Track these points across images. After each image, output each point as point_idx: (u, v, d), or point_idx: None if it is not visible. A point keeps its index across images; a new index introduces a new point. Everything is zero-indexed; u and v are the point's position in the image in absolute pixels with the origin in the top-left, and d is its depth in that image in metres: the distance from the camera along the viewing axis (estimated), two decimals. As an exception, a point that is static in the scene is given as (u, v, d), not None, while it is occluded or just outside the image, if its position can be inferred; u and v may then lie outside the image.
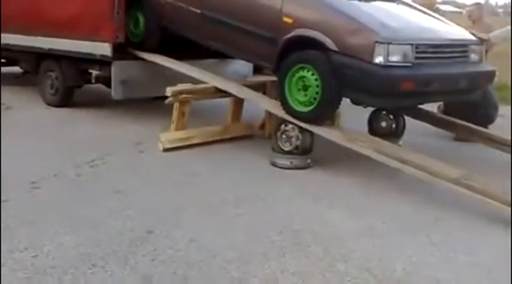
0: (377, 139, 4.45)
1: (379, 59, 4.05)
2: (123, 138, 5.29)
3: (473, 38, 4.79)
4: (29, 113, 6.26)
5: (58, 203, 3.63)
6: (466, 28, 5.51)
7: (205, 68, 5.67)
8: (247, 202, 3.76)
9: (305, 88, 4.49)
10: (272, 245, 3.13)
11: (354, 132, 4.51)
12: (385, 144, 4.32)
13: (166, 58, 5.74)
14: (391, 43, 4.06)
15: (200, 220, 3.45)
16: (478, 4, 7.17)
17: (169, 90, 4.90)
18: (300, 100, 4.54)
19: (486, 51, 6.22)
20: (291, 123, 4.55)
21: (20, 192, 3.77)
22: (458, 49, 4.59)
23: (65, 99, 6.59)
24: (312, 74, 4.42)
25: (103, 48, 5.81)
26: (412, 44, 4.14)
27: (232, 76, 6.15)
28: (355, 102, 4.95)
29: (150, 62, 5.85)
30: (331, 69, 4.28)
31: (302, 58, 4.47)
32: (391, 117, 5.44)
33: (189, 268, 2.82)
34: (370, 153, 4.17)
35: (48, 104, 6.64)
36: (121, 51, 5.87)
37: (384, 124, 5.44)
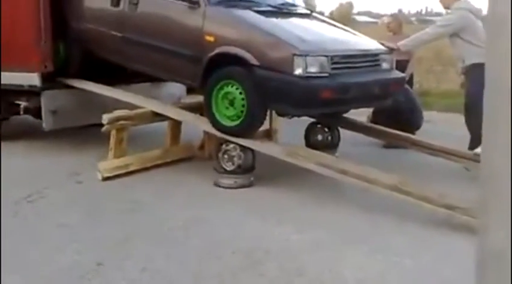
0: (316, 152, 4.59)
1: (298, 71, 4.27)
2: (58, 169, 5.14)
3: (383, 47, 5.09)
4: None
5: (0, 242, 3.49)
6: (386, 39, 5.84)
7: (138, 92, 5.64)
8: (195, 226, 3.77)
9: (231, 103, 4.63)
10: (226, 266, 3.16)
11: (294, 147, 4.63)
12: (325, 156, 4.47)
13: (98, 85, 5.65)
14: (308, 55, 4.30)
15: (150, 248, 3.42)
16: (395, 15, 7.57)
17: (105, 118, 4.83)
18: (227, 115, 4.67)
19: (408, 60, 6.61)
20: (232, 142, 4.61)
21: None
22: (370, 58, 4.90)
23: (-8, 133, 6.32)
24: (237, 89, 4.57)
25: (31, 79, 5.64)
26: (327, 56, 4.40)
27: (167, 99, 6.14)
28: (280, 113, 5.16)
29: (80, 90, 5.74)
30: (254, 83, 4.46)
31: (226, 74, 4.63)
32: (326, 129, 5.62)
33: (145, 298, 2.80)
34: (311, 166, 4.30)
35: (-27, 139, 6.34)
36: (50, 80, 5.73)
37: (320, 137, 5.62)
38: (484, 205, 1.29)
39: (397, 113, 5.81)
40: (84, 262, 3.20)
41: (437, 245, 3.44)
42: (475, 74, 5.09)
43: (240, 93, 4.55)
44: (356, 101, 4.77)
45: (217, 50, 4.63)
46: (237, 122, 4.61)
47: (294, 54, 4.28)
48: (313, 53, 4.35)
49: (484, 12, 6.65)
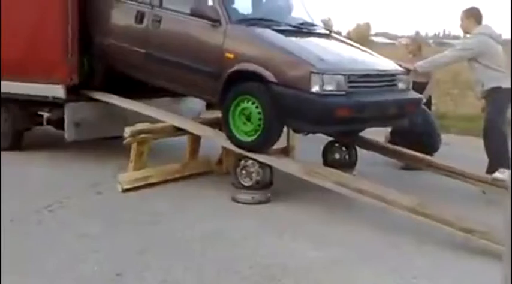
0: (334, 170, 4.62)
1: (315, 88, 4.35)
2: (79, 180, 5.23)
3: (400, 68, 5.15)
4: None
5: (22, 249, 3.56)
6: (405, 61, 5.89)
7: (158, 107, 5.72)
8: (213, 239, 3.81)
9: (248, 118, 4.70)
10: (243, 280, 3.19)
11: (312, 165, 4.67)
12: (342, 175, 4.50)
13: (120, 98, 5.75)
14: (325, 73, 4.38)
15: (168, 260, 3.46)
16: (414, 38, 7.62)
17: (127, 130, 4.91)
18: (244, 130, 4.74)
19: (427, 82, 6.64)
20: (251, 158, 4.67)
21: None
22: (387, 78, 4.95)
23: (14, 143, 6.45)
24: (254, 105, 4.64)
25: (56, 91, 5.77)
26: (344, 74, 4.48)
27: (186, 114, 6.22)
28: (296, 130, 5.23)
29: (103, 103, 5.84)
30: (271, 99, 4.54)
31: (244, 90, 4.72)
32: (344, 148, 5.66)
33: (164, 309, 2.84)
34: (328, 184, 4.33)
35: (-3, 148, 6.47)
36: (73, 92, 5.84)
37: (337, 156, 5.66)
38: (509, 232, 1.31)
39: (415, 135, 5.84)
40: (104, 272, 3.25)
41: (454, 268, 3.44)
42: (493, 98, 5.13)
43: (257, 108, 4.63)
44: (372, 120, 4.82)
45: (236, 67, 4.74)
46: (254, 137, 4.68)
47: (312, 72, 4.36)
48: (330, 72, 4.42)
49: (504, 36, 6.71)
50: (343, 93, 4.44)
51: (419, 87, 6.54)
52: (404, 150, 5.58)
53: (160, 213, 4.36)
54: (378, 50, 7.11)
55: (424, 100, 6.59)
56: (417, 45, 6.91)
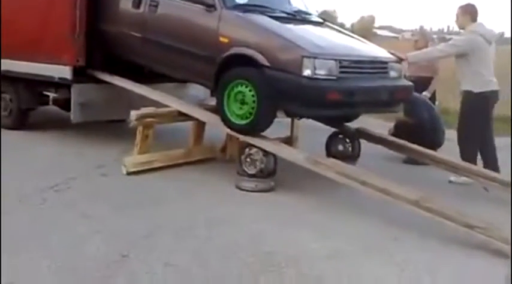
0: (338, 162, 4.63)
1: (307, 72, 4.43)
2: (84, 161, 5.27)
3: (392, 56, 5.23)
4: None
5: (28, 228, 3.60)
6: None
7: (164, 92, 5.73)
8: (217, 225, 3.84)
9: (242, 102, 4.76)
10: (246, 267, 3.22)
11: (317, 156, 4.69)
12: (347, 167, 4.52)
13: (127, 80, 5.76)
14: (317, 57, 4.46)
15: (173, 243, 3.50)
16: (423, 32, 7.63)
17: (133, 114, 4.94)
18: (237, 113, 4.80)
19: (431, 78, 6.66)
20: (256, 146, 4.69)
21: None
22: (379, 65, 5.05)
23: (19, 122, 6.48)
24: (248, 89, 4.70)
25: (63, 71, 5.78)
26: (336, 59, 4.56)
27: (190, 100, 6.23)
28: (288, 113, 5.28)
29: (109, 85, 5.85)
30: (265, 83, 4.61)
31: (238, 74, 4.79)
32: (348, 140, 5.69)
33: (168, 292, 2.87)
34: (332, 175, 4.36)
35: (1, 127, 6.48)
36: (80, 74, 5.84)
37: (340, 147, 5.68)
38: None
39: (420, 129, 5.87)
40: (109, 252, 3.29)
41: (456, 263, 3.47)
42: (462, 102, 5.32)
43: (251, 92, 4.69)
44: (363, 105, 4.91)
45: (230, 51, 4.81)
46: (247, 120, 4.76)
47: (303, 56, 4.44)
48: (322, 56, 4.51)
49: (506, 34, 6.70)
50: (334, 77, 4.52)
51: (424, 82, 6.59)
52: (408, 143, 5.60)
53: (164, 197, 4.39)
54: (381, 43, 7.12)
55: (429, 95, 6.63)
56: (425, 41, 6.92)
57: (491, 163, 5.21)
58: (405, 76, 5.53)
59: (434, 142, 6.01)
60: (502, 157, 5.47)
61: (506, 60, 8.12)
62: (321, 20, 5.82)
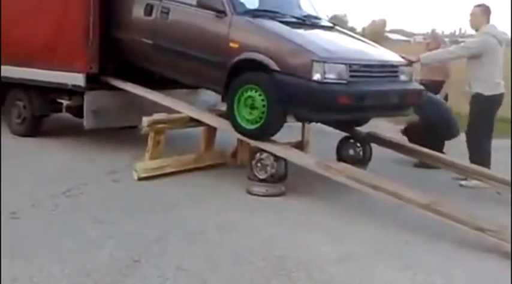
0: (349, 166, 4.63)
1: (316, 76, 4.44)
2: (95, 167, 5.31)
3: (402, 60, 5.23)
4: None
5: (40, 233, 3.64)
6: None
7: (175, 98, 5.77)
8: (228, 230, 3.86)
9: (252, 107, 4.79)
10: (257, 271, 3.23)
11: (327, 160, 4.69)
12: (358, 171, 4.52)
13: (140, 87, 5.81)
14: (326, 62, 4.47)
15: (184, 248, 3.52)
16: (435, 36, 7.61)
17: (145, 120, 4.99)
18: (248, 118, 4.83)
19: (443, 81, 6.64)
20: (266, 151, 4.71)
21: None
22: (389, 69, 5.05)
23: (33, 129, 6.55)
24: (258, 93, 4.73)
25: (76, 79, 5.84)
26: (346, 64, 4.57)
27: (201, 106, 6.26)
28: (298, 118, 5.30)
29: (121, 92, 5.90)
30: (274, 88, 4.63)
31: (248, 79, 4.82)
32: (358, 145, 5.69)
33: (180, 296, 2.89)
34: (344, 180, 4.36)
35: (15, 134, 6.57)
36: (93, 81, 5.90)
37: (351, 152, 5.68)
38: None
39: (430, 127, 5.88)
40: (121, 257, 3.31)
41: (468, 267, 3.45)
42: (473, 103, 5.31)
43: (261, 96, 4.71)
44: (373, 109, 4.93)
45: (240, 56, 4.84)
46: (257, 125, 4.78)
47: (313, 60, 4.46)
48: (331, 60, 4.52)
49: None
50: (345, 82, 4.52)
51: (436, 85, 6.57)
52: (419, 147, 5.60)
53: (175, 202, 4.41)
54: (392, 47, 7.10)
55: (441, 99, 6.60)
56: (437, 44, 6.90)
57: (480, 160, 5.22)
58: (417, 80, 5.55)
59: (449, 136, 6.00)
60: (502, 158, 5.45)
61: (506, 61, 8.09)
62: (331, 25, 5.84)
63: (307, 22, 5.51)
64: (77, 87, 5.88)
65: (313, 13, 5.82)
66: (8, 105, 6.71)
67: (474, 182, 5.17)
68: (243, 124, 4.86)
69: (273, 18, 5.09)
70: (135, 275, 3.10)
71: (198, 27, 5.33)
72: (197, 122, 5.36)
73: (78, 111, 6.06)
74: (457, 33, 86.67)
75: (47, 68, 6.06)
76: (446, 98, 6.86)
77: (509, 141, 6.57)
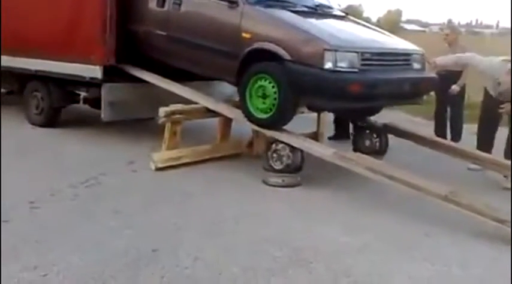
0: (366, 156, 4.62)
1: (328, 65, 4.44)
2: (114, 157, 5.35)
3: (416, 48, 5.22)
4: (14, 133, 6.23)
5: (60, 223, 3.68)
6: (441, 50, 5.91)
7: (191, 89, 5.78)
8: (245, 220, 3.87)
9: (264, 96, 4.80)
10: (275, 261, 3.24)
11: (344, 151, 4.68)
12: (375, 162, 4.51)
13: (157, 76, 5.82)
14: (338, 50, 4.46)
15: (202, 238, 3.54)
16: (453, 27, 7.52)
17: (162, 111, 5.01)
18: (259, 107, 4.85)
19: (461, 71, 6.57)
20: (282, 142, 4.71)
21: (20, 212, 3.80)
22: (401, 57, 5.04)
23: (50, 120, 6.61)
24: (270, 83, 4.75)
25: (93, 71, 5.87)
26: (357, 52, 4.55)
27: (217, 97, 6.26)
28: (310, 107, 5.28)
29: (138, 84, 5.92)
30: (286, 77, 4.64)
31: (260, 69, 4.84)
32: (375, 135, 5.66)
33: (198, 285, 2.90)
34: (361, 170, 4.34)
35: (33, 124, 6.64)
36: (110, 73, 5.93)
37: (367, 142, 5.65)
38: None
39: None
40: (139, 247, 3.33)
41: (487, 258, 3.44)
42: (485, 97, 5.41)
43: (273, 87, 4.72)
44: (385, 97, 4.91)
45: (252, 46, 4.84)
46: (269, 114, 4.80)
47: (325, 49, 4.45)
48: (343, 49, 4.51)
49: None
50: (356, 70, 4.51)
51: (454, 76, 6.49)
52: (436, 138, 5.58)
53: (192, 192, 4.43)
54: (408, 37, 7.03)
55: (458, 89, 6.54)
56: (455, 35, 6.82)
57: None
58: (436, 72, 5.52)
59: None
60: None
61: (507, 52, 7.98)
62: (343, 14, 5.81)
63: (319, 11, 5.50)
64: (94, 79, 5.91)
65: (325, 2, 5.79)
66: (26, 96, 6.77)
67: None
68: (255, 113, 4.90)
69: (284, 8, 5.09)
70: (153, 264, 3.12)
71: (210, 17, 5.33)
72: (213, 113, 5.36)
73: (95, 103, 6.10)
74: (473, 23, 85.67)
75: (65, 60, 6.09)
76: (464, 89, 6.77)
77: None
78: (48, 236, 3.43)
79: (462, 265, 3.30)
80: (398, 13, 65.40)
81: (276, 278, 3.04)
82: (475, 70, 5.47)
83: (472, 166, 5.38)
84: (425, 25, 72.16)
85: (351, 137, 6.05)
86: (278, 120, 4.82)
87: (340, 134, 6.64)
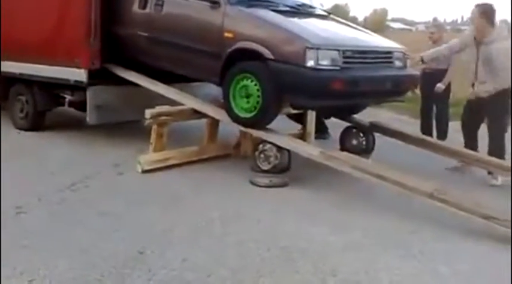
0: (353, 156, 4.64)
1: (310, 63, 4.47)
2: (99, 160, 5.31)
3: (397, 46, 5.28)
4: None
5: (46, 227, 3.65)
6: (426, 48, 5.96)
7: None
8: (232, 221, 3.87)
9: (247, 96, 4.82)
10: (263, 262, 3.24)
11: (331, 150, 4.70)
12: (362, 161, 4.53)
13: (144, 77, 5.79)
14: (320, 48, 4.50)
15: (189, 239, 3.53)
16: (438, 25, 7.56)
17: (148, 113, 4.99)
18: (244, 107, 4.87)
19: (446, 69, 6.61)
20: (269, 142, 4.71)
21: (6, 217, 3.75)
22: (383, 55, 5.10)
23: (36, 124, 6.55)
24: (253, 82, 4.77)
25: (78, 74, 5.82)
26: (339, 50, 4.60)
27: (205, 98, 6.24)
28: (294, 105, 5.30)
29: (124, 87, 5.88)
30: (269, 76, 4.67)
31: (243, 68, 4.86)
32: (361, 134, 5.68)
33: (186, 287, 2.90)
34: (347, 169, 4.36)
35: (18, 128, 6.58)
36: (95, 76, 5.89)
37: (354, 141, 5.68)
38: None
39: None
40: (126, 249, 3.32)
41: (474, 255, 3.47)
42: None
43: (256, 85, 4.74)
44: (367, 95, 4.95)
45: (235, 46, 4.86)
46: (252, 114, 4.82)
47: (307, 47, 4.48)
48: (325, 47, 4.55)
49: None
50: (338, 68, 4.55)
51: (439, 74, 6.54)
52: (422, 136, 5.61)
53: (179, 194, 4.42)
54: (393, 35, 7.09)
55: (443, 87, 6.58)
56: (440, 34, 6.87)
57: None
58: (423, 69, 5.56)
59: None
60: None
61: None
62: (325, 13, 5.84)
63: (301, 11, 5.53)
64: (80, 83, 5.87)
65: (307, 2, 5.82)
66: (11, 100, 6.71)
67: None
68: (239, 113, 4.91)
69: (266, 7, 5.11)
70: (140, 267, 3.11)
71: (192, 18, 5.33)
72: (200, 114, 5.35)
73: (81, 106, 6.05)
74: (459, 21, 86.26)
75: (50, 64, 6.04)
76: (449, 86, 6.82)
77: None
78: (34, 241, 3.40)
79: (450, 262, 3.32)
80: (385, 12, 65.84)
81: (264, 278, 3.04)
82: (460, 57, 5.49)
83: (450, 166, 5.41)
84: (411, 24, 72.62)
85: (327, 137, 6.13)
86: (262, 119, 4.84)
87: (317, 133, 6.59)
